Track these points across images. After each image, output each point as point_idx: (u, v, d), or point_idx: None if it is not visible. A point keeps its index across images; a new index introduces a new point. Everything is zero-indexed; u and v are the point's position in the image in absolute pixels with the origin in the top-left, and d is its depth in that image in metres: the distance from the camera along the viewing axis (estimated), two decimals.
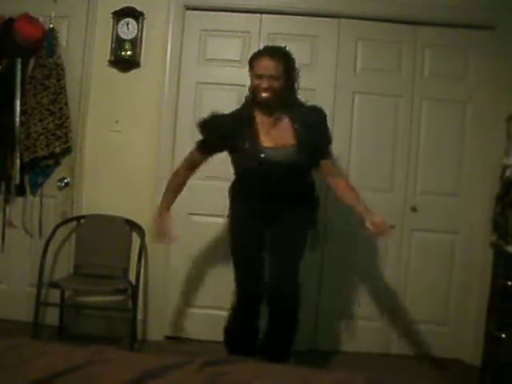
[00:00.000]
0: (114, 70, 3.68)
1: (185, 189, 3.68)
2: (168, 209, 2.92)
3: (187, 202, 3.70)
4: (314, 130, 2.74)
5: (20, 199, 3.76)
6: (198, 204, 3.68)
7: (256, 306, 2.89)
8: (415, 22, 3.61)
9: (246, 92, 3.53)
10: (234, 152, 2.80)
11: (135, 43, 3.64)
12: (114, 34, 3.64)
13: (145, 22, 3.65)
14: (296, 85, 2.79)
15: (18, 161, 3.65)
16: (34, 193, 3.74)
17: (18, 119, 3.63)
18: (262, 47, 2.93)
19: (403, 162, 3.67)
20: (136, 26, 3.63)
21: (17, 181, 3.68)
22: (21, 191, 3.72)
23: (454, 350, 3.66)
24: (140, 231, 3.63)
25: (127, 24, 3.63)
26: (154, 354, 2.70)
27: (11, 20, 3.56)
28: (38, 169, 3.68)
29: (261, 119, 2.76)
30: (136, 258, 3.53)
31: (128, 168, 3.69)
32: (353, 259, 3.65)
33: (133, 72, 3.69)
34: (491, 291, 3.28)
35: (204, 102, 3.69)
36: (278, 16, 3.64)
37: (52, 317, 3.66)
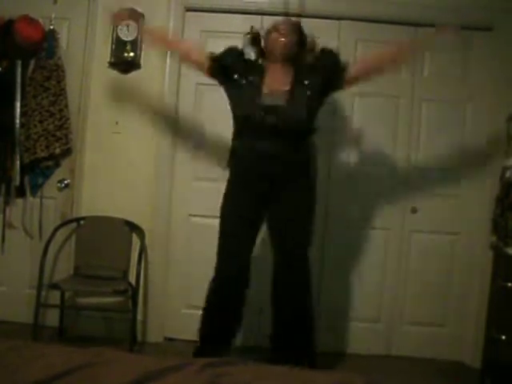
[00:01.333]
0: (114, 72, 3.68)
1: (185, 190, 3.71)
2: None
3: (187, 204, 3.71)
4: (319, 68, 2.88)
5: (20, 200, 3.76)
6: (198, 205, 3.68)
7: (235, 289, 2.85)
8: (415, 23, 3.61)
9: None
10: (231, 88, 2.90)
11: (135, 45, 3.64)
12: (115, 35, 3.64)
13: (145, 23, 3.65)
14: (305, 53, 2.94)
15: (17, 162, 3.65)
16: (33, 194, 3.75)
17: (18, 120, 3.63)
18: None
19: (403, 163, 3.67)
20: (136, 28, 3.63)
21: (17, 182, 3.68)
22: (21, 192, 3.73)
23: (454, 352, 3.66)
24: (140, 232, 3.63)
25: (127, 25, 3.63)
26: (154, 355, 2.70)
27: (11, 21, 3.56)
28: (38, 170, 3.69)
29: (272, 68, 2.87)
30: (136, 259, 3.53)
31: (128, 169, 3.69)
32: (353, 260, 3.65)
33: (133, 73, 3.69)
34: (491, 293, 3.28)
35: (204, 103, 3.69)
36: (278, 17, 3.63)
37: (52, 318, 3.66)
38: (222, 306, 2.87)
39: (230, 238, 2.86)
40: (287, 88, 2.79)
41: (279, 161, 2.75)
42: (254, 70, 2.88)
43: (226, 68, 2.91)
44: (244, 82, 2.85)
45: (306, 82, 2.81)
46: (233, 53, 2.96)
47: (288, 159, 2.77)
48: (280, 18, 2.94)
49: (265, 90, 2.81)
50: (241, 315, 2.90)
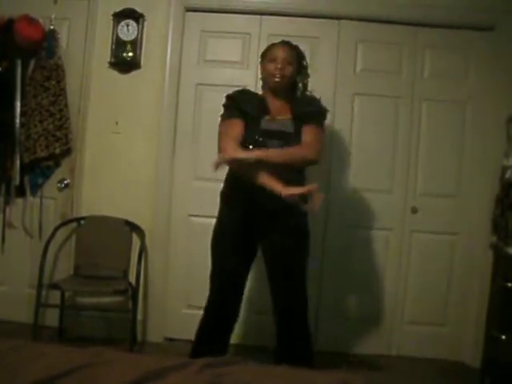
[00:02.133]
0: (114, 72, 3.68)
1: (184, 190, 3.71)
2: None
3: (187, 204, 3.71)
4: (306, 103, 2.81)
5: (20, 200, 3.76)
6: (198, 205, 3.68)
7: (224, 322, 2.83)
8: (415, 23, 3.61)
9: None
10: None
11: (135, 45, 3.64)
12: (114, 35, 3.64)
13: (145, 23, 3.65)
14: (305, 81, 2.87)
15: (17, 162, 3.65)
16: (33, 194, 3.74)
17: (18, 120, 3.63)
18: (263, 49, 2.95)
19: (403, 163, 3.67)
20: (136, 28, 3.63)
21: (17, 182, 3.68)
22: (21, 192, 3.72)
23: (454, 352, 3.66)
24: (140, 232, 3.63)
25: (127, 25, 3.63)
26: (154, 355, 2.69)
27: (11, 21, 3.56)
28: (38, 170, 3.68)
29: (270, 101, 2.80)
30: (136, 259, 3.53)
31: (128, 169, 3.69)
32: (353, 260, 3.65)
33: (133, 73, 3.69)
34: (491, 293, 3.28)
35: (204, 103, 3.69)
36: (278, 17, 3.64)
37: (52, 318, 3.66)
38: (210, 334, 2.84)
39: (223, 273, 2.80)
40: (289, 116, 2.75)
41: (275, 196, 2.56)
42: (258, 104, 2.79)
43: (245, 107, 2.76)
44: (252, 113, 2.75)
45: (296, 108, 2.78)
46: (241, 94, 2.84)
47: (287, 179, 2.58)
48: (277, 42, 2.84)
49: (266, 116, 2.76)
50: (228, 340, 2.88)
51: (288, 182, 2.52)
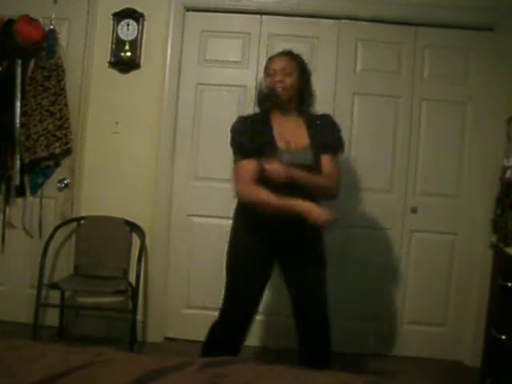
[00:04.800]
0: (114, 71, 3.68)
1: (184, 190, 3.71)
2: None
3: (187, 204, 3.71)
4: (323, 129, 2.64)
5: (20, 200, 3.76)
6: (198, 205, 3.68)
7: (243, 333, 2.71)
8: (415, 23, 3.61)
9: (245, 92, 3.58)
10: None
11: (135, 44, 3.64)
12: (114, 35, 3.64)
13: (145, 23, 3.65)
14: (310, 89, 2.71)
15: (18, 162, 3.65)
16: (33, 194, 3.74)
17: (18, 120, 3.63)
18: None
19: (403, 163, 3.67)
20: (136, 27, 3.63)
21: (17, 182, 3.68)
22: (21, 192, 3.72)
23: (454, 352, 3.66)
24: (140, 232, 3.63)
25: (127, 25, 3.63)
26: (154, 355, 2.69)
27: (11, 21, 3.56)
28: (38, 170, 3.68)
29: (277, 120, 2.63)
30: (136, 258, 3.53)
31: (128, 169, 3.69)
32: (352, 260, 3.65)
33: (133, 73, 3.69)
34: (491, 293, 3.28)
35: (204, 103, 3.69)
36: (278, 17, 3.64)
37: (52, 318, 3.66)
38: (230, 346, 2.68)
39: (245, 297, 2.67)
40: (305, 141, 2.59)
41: (299, 222, 2.46)
42: (262, 130, 2.59)
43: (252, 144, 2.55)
44: (261, 147, 2.54)
45: (313, 132, 2.62)
46: (243, 129, 2.60)
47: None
48: (276, 54, 2.69)
49: (280, 144, 2.56)
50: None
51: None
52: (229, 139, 2.61)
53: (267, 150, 2.52)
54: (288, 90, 2.59)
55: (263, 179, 2.48)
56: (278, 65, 2.60)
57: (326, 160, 2.60)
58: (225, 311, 2.69)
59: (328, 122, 2.69)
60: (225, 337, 2.68)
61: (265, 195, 2.45)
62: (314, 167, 2.56)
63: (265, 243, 2.60)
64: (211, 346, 2.70)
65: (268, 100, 2.64)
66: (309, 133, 2.62)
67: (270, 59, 2.69)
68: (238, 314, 2.67)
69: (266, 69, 2.66)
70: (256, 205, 2.50)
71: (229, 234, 2.71)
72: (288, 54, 2.67)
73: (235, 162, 2.60)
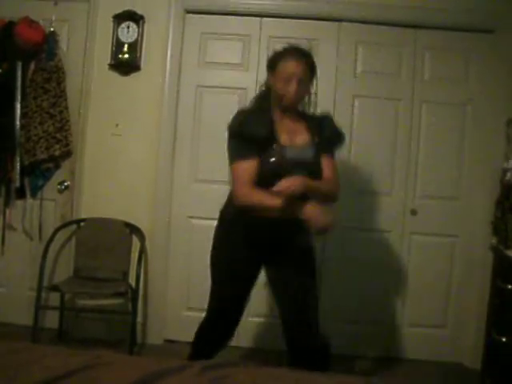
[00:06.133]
0: (115, 74, 3.68)
1: (184, 192, 3.71)
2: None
3: (187, 206, 3.71)
4: (324, 126, 2.55)
5: (20, 202, 3.76)
6: (198, 207, 3.68)
7: (231, 331, 2.67)
8: (415, 25, 3.61)
9: (245, 95, 3.57)
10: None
11: (135, 46, 3.65)
12: (115, 37, 3.64)
13: (145, 25, 3.66)
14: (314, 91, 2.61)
15: (18, 164, 3.65)
16: (33, 196, 3.74)
17: (18, 122, 3.63)
18: (286, 47, 2.53)
19: (403, 165, 3.67)
20: (136, 30, 3.64)
21: (17, 184, 3.68)
22: (21, 194, 3.72)
23: (454, 354, 3.66)
24: (140, 234, 3.63)
25: (127, 27, 3.64)
26: (154, 357, 2.69)
27: (12, 23, 3.57)
28: (38, 172, 3.68)
29: (280, 120, 2.51)
30: (136, 261, 3.53)
31: (128, 171, 3.70)
32: (352, 263, 3.64)
33: (133, 75, 3.69)
34: (491, 295, 3.28)
35: (204, 105, 3.69)
36: (278, 19, 3.65)
37: (52, 320, 3.66)
38: (206, 350, 2.66)
39: (232, 302, 2.62)
40: (306, 138, 2.51)
41: (291, 223, 2.41)
42: (264, 126, 2.45)
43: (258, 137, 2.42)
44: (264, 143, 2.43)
45: (314, 131, 2.53)
46: (248, 123, 2.44)
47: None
48: (291, 53, 2.47)
49: (282, 139, 2.47)
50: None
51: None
52: (227, 135, 2.48)
53: (269, 144, 2.41)
54: (301, 99, 2.53)
55: (261, 178, 2.39)
56: (296, 71, 2.42)
57: (326, 161, 2.54)
58: (211, 310, 2.66)
59: (328, 119, 2.62)
60: (211, 336, 2.66)
61: (269, 200, 2.34)
62: (315, 164, 2.50)
63: (253, 242, 2.52)
64: (198, 344, 2.69)
65: (276, 102, 2.50)
66: (310, 130, 2.54)
67: (286, 59, 2.46)
68: (224, 312, 2.64)
69: (279, 69, 2.46)
70: (258, 210, 2.39)
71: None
72: (305, 57, 2.47)
73: (233, 161, 2.45)
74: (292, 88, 2.41)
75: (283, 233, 2.51)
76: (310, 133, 2.54)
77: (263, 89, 2.61)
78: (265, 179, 2.39)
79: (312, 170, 2.46)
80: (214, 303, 2.65)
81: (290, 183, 2.30)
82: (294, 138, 2.51)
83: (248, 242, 2.53)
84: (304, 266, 2.58)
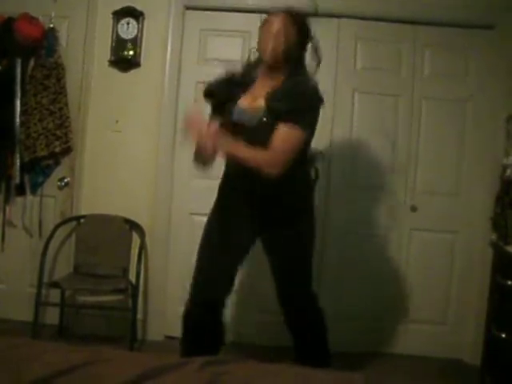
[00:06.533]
0: (114, 70, 3.68)
1: (185, 188, 3.71)
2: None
3: (189, 202, 3.71)
4: (283, 95, 2.39)
5: (20, 199, 3.76)
6: (200, 204, 3.66)
7: (213, 313, 2.61)
8: (415, 21, 3.61)
9: None
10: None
11: (135, 43, 3.64)
12: (114, 33, 3.64)
13: (145, 21, 3.65)
14: (302, 56, 2.53)
15: (18, 160, 3.65)
16: (33, 192, 3.74)
17: (18, 119, 3.63)
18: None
19: (403, 161, 3.67)
20: (136, 26, 3.63)
21: (17, 180, 3.68)
22: (21, 191, 3.73)
23: (454, 350, 3.66)
24: (140, 231, 3.63)
25: (127, 24, 3.63)
26: (154, 353, 2.69)
27: (11, 20, 3.56)
28: (38, 168, 3.68)
29: (260, 78, 2.51)
30: (136, 257, 3.53)
31: (128, 168, 3.70)
32: (352, 259, 3.65)
33: (133, 72, 3.69)
34: (491, 291, 3.28)
35: (204, 101, 3.68)
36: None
37: (52, 316, 3.66)
38: (195, 336, 2.60)
39: (210, 268, 2.61)
40: (258, 105, 2.42)
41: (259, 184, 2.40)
42: (237, 87, 2.52)
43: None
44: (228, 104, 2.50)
45: (269, 103, 2.40)
46: (216, 87, 2.57)
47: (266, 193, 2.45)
48: (276, 11, 2.47)
49: (242, 101, 2.48)
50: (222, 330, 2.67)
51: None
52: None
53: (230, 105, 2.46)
54: (278, 54, 2.41)
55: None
56: (276, 25, 2.41)
57: (277, 130, 2.35)
58: (196, 282, 2.63)
59: (291, 88, 2.42)
60: (198, 317, 2.58)
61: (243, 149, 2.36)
62: (256, 130, 2.38)
63: (243, 207, 2.52)
64: (187, 329, 2.61)
65: (256, 60, 2.53)
66: (267, 96, 2.41)
67: (269, 15, 2.48)
68: (209, 284, 2.59)
69: (262, 25, 2.48)
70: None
71: None
72: (288, 15, 2.44)
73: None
74: (265, 42, 2.40)
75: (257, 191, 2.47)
76: (265, 98, 2.42)
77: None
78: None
79: (250, 135, 2.37)
80: (198, 273, 2.64)
81: (208, 137, 2.27)
82: (254, 101, 2.45)
83: (239, 204, 2.54)
84: (292, 234, 2.54)
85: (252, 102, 2.46)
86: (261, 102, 2.41)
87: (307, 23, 2.50)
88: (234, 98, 2.49)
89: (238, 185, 2.55)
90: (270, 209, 2.51)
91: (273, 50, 2.40)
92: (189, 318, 2.62)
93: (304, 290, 2.68)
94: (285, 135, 2.35)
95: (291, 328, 2.71)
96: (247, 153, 2.35)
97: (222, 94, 2.53)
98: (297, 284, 2.66)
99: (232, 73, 2.59)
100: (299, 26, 2.46)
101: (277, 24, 2.41)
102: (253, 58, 2.59)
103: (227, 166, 2.62)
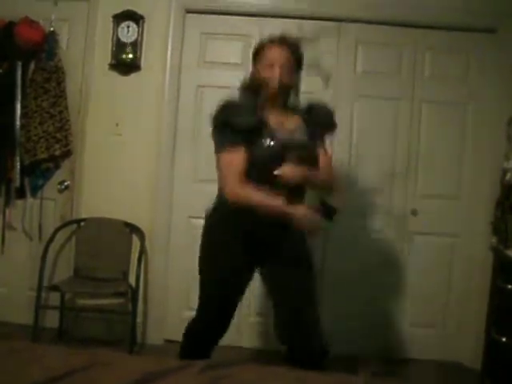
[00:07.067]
0: (115, 73, 3.68)
1: (185, 192, 3.71)
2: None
3: (187, 206, 3.71)
4: (315, 113, 2.48)
5: (20, 202, 3.76)
6: (198, 207, 3.66)
7: (218, 335, 2.54)
8: (416, 25, 3.61)
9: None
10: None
11: (135, 46, 3.65)
12: (115, 37, 3.64)
13: (145, 25, 3.66)
14: (299, 85, 2.51)
15: (18, 163, 3.65)
16: (34, 195, 3.74)
17: (18, 122, 3.63)
18: (271, 36, 2.45)
19: (403, 165, 3.67)
20: (136, 29, 3.64)
21: (17, 183, 3.68)
22: (21, 194, 3.72)
23: (454, 354, 3.65)
24: (140, 234, 3.63)
25: (128, 27, 3.64)
26: (154, 357, 2.69)
27: (12, 23, 3.57)
28: (38, 172, 3.68)
29: (268, 110, 2.40)
30: (136, 260, 3.53)
31: (128, 171, 3.69)
32: (353, 262, 3.64)
33: (133, 75, 3.69)
34: (491, 295, 3.28)
35: (204, 105, 3.68)
36: (278, 19, 3.64)
37: (52, 320, 3.66)
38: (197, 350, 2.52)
39: (222, 311, 2.51)
40: (295, 123, 2.43)
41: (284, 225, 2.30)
42: (252, 116, 2.35)
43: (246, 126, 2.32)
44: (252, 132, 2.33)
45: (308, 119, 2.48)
46: (235, 110, 2.38)
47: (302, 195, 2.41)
48: (274, 41, 2.42)
49: (272, 123, 2.37)
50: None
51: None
52: (211, 127, 2.42)
53: (258, 133, 2.29)
54: (286, 87, 2.39)
55: (252, 165, 2.29)
56: (279, 57, 2.36)
57: (322, 149, 2.46)
58: (200, 315, 2.54)
59: (320, 105, 2.53)
60: (200, 339, 2.54)
61: (262, 198, 2.24)
62: (309, 149, 2.40)
63: (244, 243, 2.38)
64: (186, 345, 2.57)
65: (259, 90, 2.39)
66: (300, 117, 2.44)
67: (269, 46, 2.41)
68: (212, 319, 2.51)
69: (261, 57, 2.41)
70: (250, 206, 2.26)
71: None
72: (288, 45, 2.41)
73: (220, 152, 2.37)
74: (275, 72, 2.33)
75: (276, 232, 2.36)
76: (300, 119, 2.44)
77: (247, 82, 2.51)
78: (256, 167, 2.29)
79: (305, 154, 2.35)
80: (203, 308, 2.54)
81: (291, 170, 2.26)
82: (283, 124, 2.39)
83: (238, 240, 2.38)
84: (301, 267, 2.47)
85: (283, 125, 2.39)
86: (293, 123, 2.41)
87: (301, 53, 2.48)
88: (259, 125, 2.34)
89: (266, 232, 2.37)
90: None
91: (283, 83, 2.36)
92: (192, 337, 2.57)
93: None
94: (329, 154, 2.56)
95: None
96: (323, 176, 2.45)
97: (249, 121, 2.34)
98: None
99: (233, 101, 2.46)
100: (298, 58, 2.45)
101: (283, 57, 2.37)
102: (246, 84, 2.52)
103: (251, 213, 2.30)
